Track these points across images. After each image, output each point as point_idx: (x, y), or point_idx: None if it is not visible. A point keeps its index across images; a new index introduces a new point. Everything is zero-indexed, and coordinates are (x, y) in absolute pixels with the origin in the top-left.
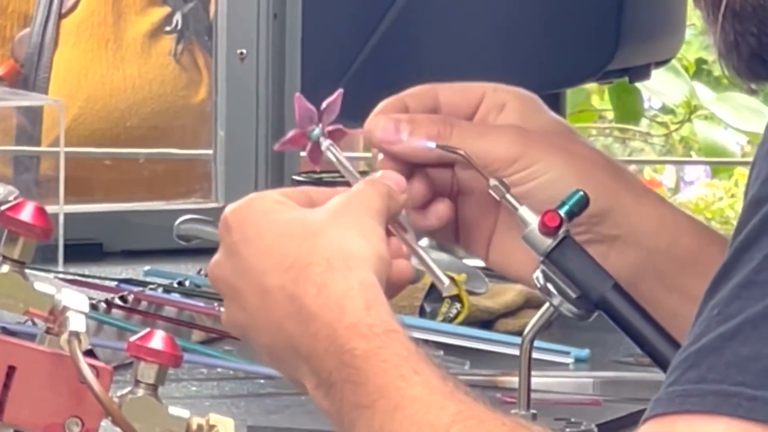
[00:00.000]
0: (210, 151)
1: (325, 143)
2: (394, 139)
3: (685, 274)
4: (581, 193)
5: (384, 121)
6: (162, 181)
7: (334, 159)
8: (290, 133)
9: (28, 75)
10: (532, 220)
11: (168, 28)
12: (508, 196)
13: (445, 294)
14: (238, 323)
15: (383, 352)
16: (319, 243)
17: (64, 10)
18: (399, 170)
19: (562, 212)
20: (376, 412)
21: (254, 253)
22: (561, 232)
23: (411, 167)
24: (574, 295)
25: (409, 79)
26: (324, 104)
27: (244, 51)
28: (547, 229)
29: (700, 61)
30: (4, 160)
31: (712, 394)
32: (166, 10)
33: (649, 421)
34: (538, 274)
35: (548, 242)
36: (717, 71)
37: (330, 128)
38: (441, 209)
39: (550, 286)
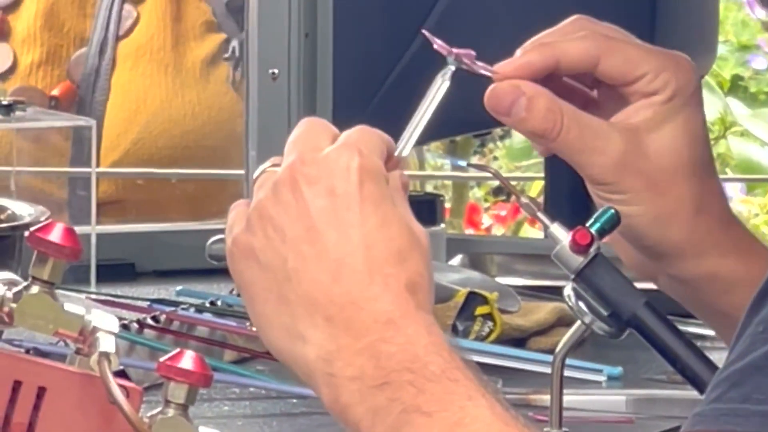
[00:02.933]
0: (242, 172)
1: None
2: (505, 112)
3: (730, 296)
4: (612, 210)
5: (505, 90)
6: (194, 202)
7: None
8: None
9: (84, 96)
10: (564, 237)
11: (226, 55)
12: (539, 213)
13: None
14: (252, 251)
15: (456, 373)
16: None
17: (121, 32)
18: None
19: (593, 230)
20: (435, 422)
21: (326, 231)
22: (592, 250)
23: None
24: (605, 313)
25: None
26: (463, 51)
27: (276, 71)
28: (578, 247)
29: (735, 78)
30: (59, 182)
31: (757, 415)
32: (223, 36)
33: None
34: (569, 292)
35: (580, 260)
36: (753, 87)
37: (464, 52)
38: None
39: (581, 304)
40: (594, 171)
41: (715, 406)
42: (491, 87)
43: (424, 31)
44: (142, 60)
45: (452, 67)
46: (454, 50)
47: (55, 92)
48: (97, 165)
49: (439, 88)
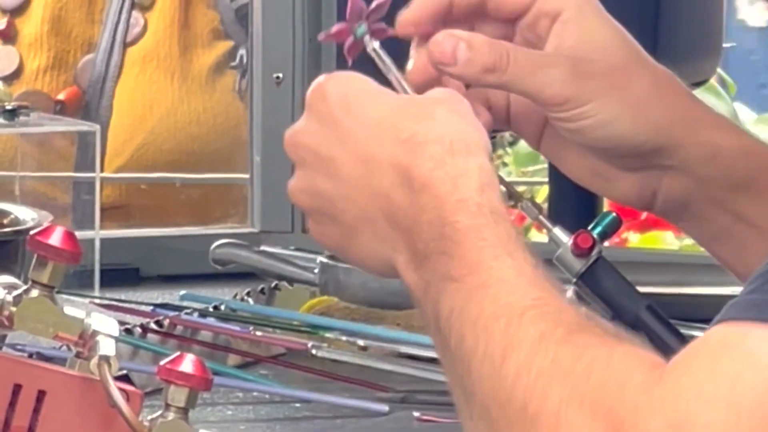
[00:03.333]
0: (246, 176)
1: (371, 44)
2: (450, 61)
3: (738, 198)
4: (614, 214)
5: (443, 39)
6: (198, 206)
7: (379, 61)
8: (336, 26)
9: (91, 102)
10: (565, 240)
11: (233, 63)
12: (540, 217)
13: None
14: (316, 191)
15: (485, 231)
16: (438, 125)
17: (129, 39)
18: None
19: (595, 233)
20: (462, 286)
21: (359, 123)
22: (594, 253)
23: None
24: (607, 316)
25: None
26: (374, 3)
27: (281, 75)
28: (580, 251)
29: None
30: (64, 186)
31: None
32: (230, 44)
33: (722, 323)
34: (571, 295)
35: (581, 263)
36: None
37: (375, 26)
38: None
39: (583, 307)
40: (554, 90)
41: (749, 297)
42: (430, 42)
43: None
44: (148, 67)
45: (364, 29)
46: (366, 25)
47: (61, 96)
48: (102, 170)
49: (379, 52)
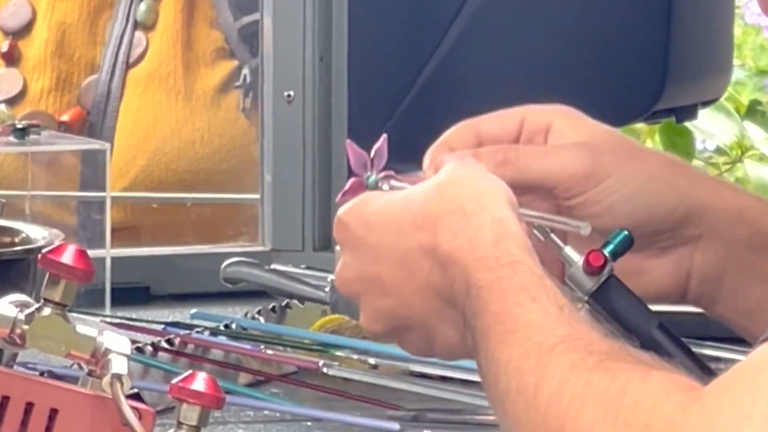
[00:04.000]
0: (257, 196)
1: (388, 183)
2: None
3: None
4: (626, 232)
5: (449, 157)
6: (209, 225)
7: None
8: (348, 183)
9: (95, 122)
10: (577, 259)
11: (237, 83)
12: (552, 236)
13: (584, 233)
14: (382, 314)
15: (505, 282)
16: (447, 194)
17: (132, 60)
18: None
19: (606, 252)
20: (492, 337)
21: (383, 233)
22: (606, 272)
23: None
24: (619, 335)
25: (455, 120)
26: (372, 151)
27: (292, 93)
28: (591, 269)
29: (754, 103)
30: (69, 207)
31: None
32: (234, 63)
33: (765, 342)
34: (582, 313)
35: (593, 282)
36: None
37: (382, 174)
38: None
39: None
40: (572, 167)
41: None
42: (432, 164)
43: (348, 142)
44: (151, 86)
45: (374, 178)
46: (375, 172)
47: (65, 118)
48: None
49: (399, 186)
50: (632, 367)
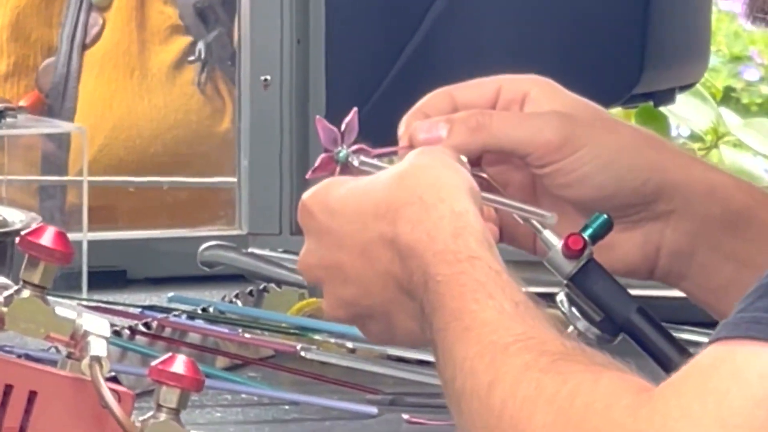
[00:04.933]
0: (234, 179)
1: (358, 159)
2: (436, 138)
3: (740, 239)
4: (605, 216)
5: (423, 123)
6: (186, 209)
7: (374, 169)
8: (318, 159)
9: (53, 105)
10: (556, 243)
11: (191, 58)
12: (532, 220)
13: (550, 223)
14: (344, 302)
15: (463, 278)
16: (408, 183)
17: (88, 40)
18: None
19: (585, 235)
20: (448, 334)
21: (345, 220)
22: (585, 255)
23: None
24: (598, 318)
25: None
26: (343, 125)
27: (269, 77)
28: (570, 252)
29: (728, 89)
30: (30, 190)
31: None
32: (189, 39)
33: (714, 344)
34: (561, 297)
35: (572, 265)
36: (745, 98)
37: (353, 148)
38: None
39: (574, 309)
40: (546, 135)
41: (740, 315)
42: (411, 132)
43: (318, 118)
44: (108, 66)
45: (345, 153)
46: (346, 147)
47: (23, 102)
48: (66, 173)
49: (370, 162)
50: (584, 368)
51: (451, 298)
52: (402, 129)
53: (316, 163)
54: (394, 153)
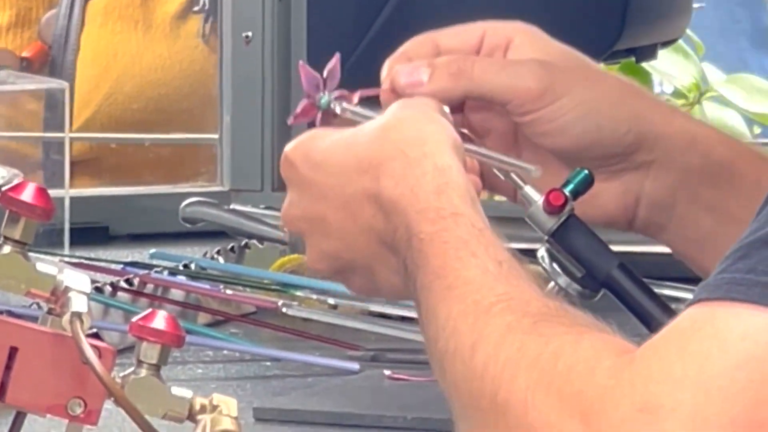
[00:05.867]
0: (216, 136)
1: (340, 105)
2: (417, 81)
3: (720, 192)
4: (586, 171)
5: (404, 67)
6: (168, 165)
7: (355, 116)
8: (300, 105)
9: (56, 57)
10: (537, 198)
11: (196, 8)
12: (512, 175)
13: (534, 176)
14: (326, 255)
15: (446, 235)
16: (391, 137)
17: None
18: None
19: (566, 191)
20: (431, 292)
21: (328, 174)
22: (566, 211)
23: None
24: (579, 274)
25: None
26: (325, 71)
27: (250, 34)
28: (551, 208)
29: None
30: (34, 146)
31: (759, 285)
32: None
33: (693, 305)
34: (542, 253)
35: (553, 221)
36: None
37: (335, 94)
38: None
39: (555, 265)
40: (527, 83)
41: (720, 276)
42: (392, 76)
43: (301, 63)
44: (111, 17)
45: (327, 99)
46: (327, 93)
47: (26, 54)
48: (71, 124)
49: (352, 109)
50: (566, 330)
51: (434, 256)
52: (385, 72)
53: (298, 109)
54: (376, 95)
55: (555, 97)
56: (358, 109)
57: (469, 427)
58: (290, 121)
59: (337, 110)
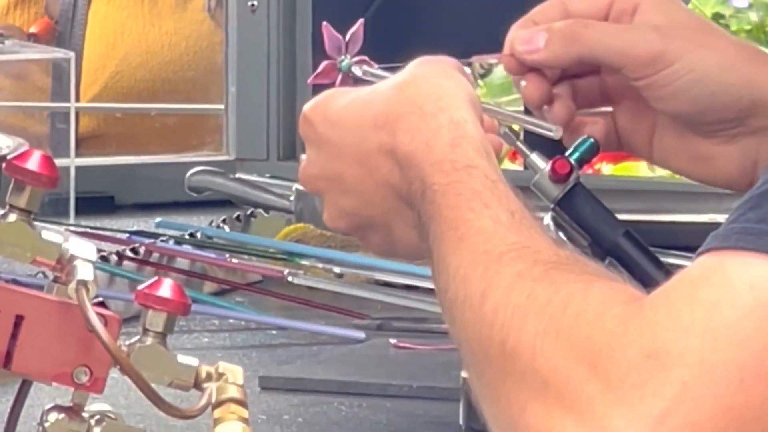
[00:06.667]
0: (221, 106)
1: (361, 69)
2: (534, 47)
3: None
4: (592, 140)
5: (523, 33)
6: (174, 134)
7: (375, 79)
8: (321, 66)
9: (63, 32)
10: (543, 166)
11: None
12: (518, 143)
13: (555, 136)
14: (345, 212)
15: (459, 187)
16: (407, 93)
17: None
18: (545, 88)
19: (572, 159)
20: (443, 242)
21: (345, 131)
22: (572, 179)
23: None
24: (585, 243)
25: (422, 26)
26: (348, 35)
27: (255, 3)
28: (557, 176)
29: (716, 15)
30: (41, 117)
31: None
32: None
33: (704, 254)
34: (548, 221)
35: (559, 189)
36: (734, 25)
37: (356, 59)
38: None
39: (561, 233)
40: (642, 47)
41: (731, 226)
42: (513, 42)
43: (324, 24)
44: None
45: (348, 62)
46: (349, 57)
47: (34, 29)
48: (77, 99)
49: (373, 72)
50: (576, 277)
51: (447, 207)
52: (509, 36)
53: (319, 69)
54: (399, 69)
55: (667, 63)
56: (380, 71)
57: (478, 374)
58: (310, 80)
59: (358, 73)
